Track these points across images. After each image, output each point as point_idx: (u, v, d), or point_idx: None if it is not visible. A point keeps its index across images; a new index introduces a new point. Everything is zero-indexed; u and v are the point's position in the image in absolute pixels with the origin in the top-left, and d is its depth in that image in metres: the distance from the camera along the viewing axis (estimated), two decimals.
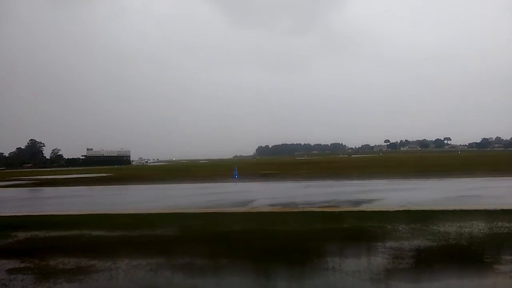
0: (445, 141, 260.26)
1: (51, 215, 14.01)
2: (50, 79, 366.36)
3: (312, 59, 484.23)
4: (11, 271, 6.96)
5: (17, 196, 26.80)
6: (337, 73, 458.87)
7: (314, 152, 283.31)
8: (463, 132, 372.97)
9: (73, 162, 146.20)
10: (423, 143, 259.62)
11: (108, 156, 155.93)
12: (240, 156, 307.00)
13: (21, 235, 10.13)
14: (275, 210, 13.76)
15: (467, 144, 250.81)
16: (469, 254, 7.08)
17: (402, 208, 12.56)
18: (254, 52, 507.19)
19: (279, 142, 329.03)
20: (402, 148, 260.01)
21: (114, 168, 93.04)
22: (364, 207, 13.88)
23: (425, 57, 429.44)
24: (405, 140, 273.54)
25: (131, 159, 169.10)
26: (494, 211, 11.45)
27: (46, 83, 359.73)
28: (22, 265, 7.31)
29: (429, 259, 6.78)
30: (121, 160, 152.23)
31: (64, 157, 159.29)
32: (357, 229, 9.55)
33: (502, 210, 11.57)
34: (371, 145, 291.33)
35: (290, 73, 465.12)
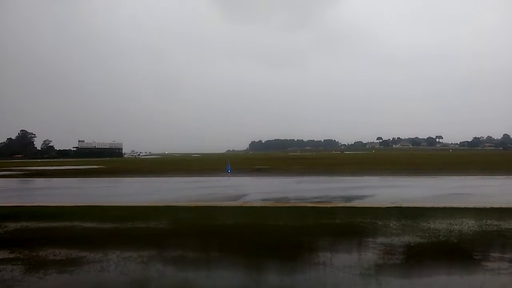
0: (437, 139, 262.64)
1: (42, 206, 13.88)
2: (42, 70, 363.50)
3: (306, 56, 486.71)
4: (0, 261, 6.90)
5: (7, 186, 26.54)
6: (332, 70, 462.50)
7: (307, 148, 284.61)
8: (455, 131, 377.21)
9: (64, 153, 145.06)
10: (415, 141, 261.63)
11: (100, 148, 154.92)
12: (233, 150, 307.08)
13: (11, 225, 10.03)
14: (268, 205, 13.78)
15: (458, 143, 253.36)
16: (458, 251, 7.15)
17: (393, 205, 12.65)
18: (248, 47, 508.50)
19: (272, 137, 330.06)
20: (394, 146, 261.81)
21: (106, 160, 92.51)
22: (356, 203, 13.95)
23: (418, 56, 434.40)
24: (397, 138, 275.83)
25: (123, 152, 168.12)
26: (484, 209, 11.57)
27: (38, 74, 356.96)
28: (12, 255, 7.24)
29: (419, 255, 6.84)
30: (113, 152, 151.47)
31: (55, 148, 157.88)
32: (348, 225, 9.59)
33: (492, 208, 11.70)
34: (363, 142, 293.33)
35: (284, 69, 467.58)
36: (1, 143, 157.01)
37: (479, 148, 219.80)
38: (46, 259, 6.96)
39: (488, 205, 12.17)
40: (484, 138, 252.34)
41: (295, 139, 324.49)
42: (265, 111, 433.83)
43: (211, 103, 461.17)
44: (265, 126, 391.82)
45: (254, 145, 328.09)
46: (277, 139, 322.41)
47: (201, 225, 9.85)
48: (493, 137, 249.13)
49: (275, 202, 14.70)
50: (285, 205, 13.74)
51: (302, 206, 13.13)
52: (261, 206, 13.37)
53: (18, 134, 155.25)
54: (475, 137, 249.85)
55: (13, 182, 30.11)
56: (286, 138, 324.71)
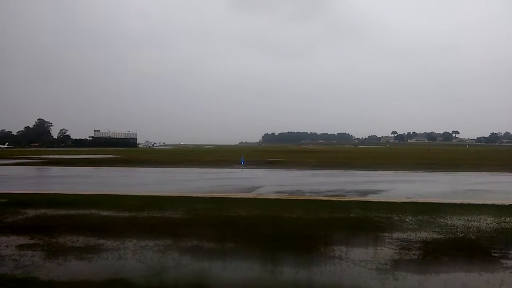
0: (453, 135, 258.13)
1: (60, 194, 14.14)
2: (58, 61, 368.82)
3: (316, 47, 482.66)
4: (21, 247, 7.05)
5: (26, 174, 27.09)
6: (343, 62, 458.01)
7: (320, 141, 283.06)
8: (472, 126, 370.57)
9: (80, 142, 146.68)
10: (431, 136, 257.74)
11: (115, 138, 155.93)
12: (246, 142, 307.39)
13: (31, 212, 10.25)
14: (282, 197, 13.77)
15: (475, 138, 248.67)
16: (476, 248, 7.04)
17: (409, 200, 12.53)
18: (256, 38, 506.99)
19: (285, 130, 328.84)
20: (409, 140, 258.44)
21: (121, 150, 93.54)
22: (370, 198, 13.85)
23: (433, 48, 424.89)
24: (413, 132, 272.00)
25: (137, 142, 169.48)
26: (502, 206, 11.38)
27: (54, 64, 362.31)
28: (32, 241, 7.40)
29: (436, 251, 6.76)
30: (127, 142, 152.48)
31: (71, 137, 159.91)
32: (363, 219, 9.54)
33: (510, 205, 11.49)
34: (378, 136, 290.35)
35: (295, 60, 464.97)
36: (19, 131, 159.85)
37: (496, 144, 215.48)
38: (65, 246, 7.09)
39: (506, 202, 11.96)
40: (502, 134, 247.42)
41: (308, 132, 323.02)
42: (278, 103, 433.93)
43: (223, 94, 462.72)
44: (278, 118, 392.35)
45: (267, 137, 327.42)
46: (290, 132, 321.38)
47: (216, 216, 9.90)
48: (511, 133, 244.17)
49: (289, 194, 14.69)
50: (300, 198, 13.71)
51: (316, 200, 13.08)
52: (275, 199, 13.37)
53: (36, 123, 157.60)
54: (493, 133, 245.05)
55: (31, 170, 30.70)
56: (299, 131, 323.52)
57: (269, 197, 13.71)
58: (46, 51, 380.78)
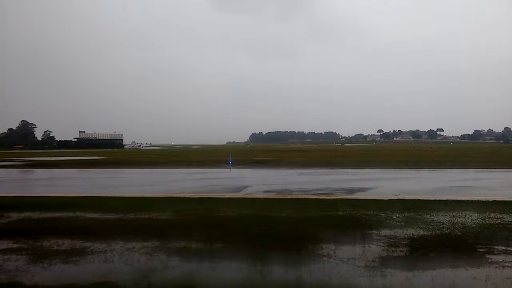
0: (438, 132, 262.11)
1: (44, 196, 13.91)
2: (42, 61, 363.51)
3: (300, 48, 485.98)
4: (4, 251, 6.91)
5: (9, 177, 26.57)
6: (328, 62, 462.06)
7: (307, 140, 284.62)
8: (456, 124, 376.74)
9: (65, 144, 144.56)
10: (416, 134, 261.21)
11: (100, 139, 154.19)
12: (234, 142, 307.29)
13: (14, 215, 10.05)
14: (270, 197, 13.77)
15: (459, 136, 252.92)
16: (462, 244, 7.14)
17: (395, 197, 12.64)
18: (242, 39, 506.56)
19: (272, 129, 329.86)
20: (395, 138, 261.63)
21: (107, 151, 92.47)
22: (358, 196, 13.95)
23: (418, 50, 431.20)
24: (398, 130, 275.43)
25: (124, 143, 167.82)
26: (486, 202, 11.58)
27: (38, 64, 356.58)
28: (16, 245, 7.25)
29: (422, 248, 6.83)
30: (113, 143, 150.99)
31: (56, 139, 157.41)
32: (351, 217, 9.59)
33: (494, 201, 11.70)
34: (364, 135, 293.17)
35: (279, 61, 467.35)
36: (2, 133, 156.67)
37: (479, 141, 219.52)
38: (50, 249, 6.96)
39: (490, 198, 12.17)
40: (485, 131, 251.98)
41: (296, 131, 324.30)
42: (265, 103, 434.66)
43: (209, 95, 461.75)
44: (265, 118, 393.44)
45: (255, 137, 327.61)
46: (278, 131, 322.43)
47: (204, 216, 9.85)
48: (494, 130, 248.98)
49: (277, 194, 14.70)
50: (288, 197, 13.73)
51: (304, 198, 13.12)
52: (263, 198, 13.35)
53: (19, 124, 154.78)
54: (476, 130, 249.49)
55: (14, 173, 30.13)
56: (286, 130, 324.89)
57: (257, 197, 13.70)
58: (31, 51, 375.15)
